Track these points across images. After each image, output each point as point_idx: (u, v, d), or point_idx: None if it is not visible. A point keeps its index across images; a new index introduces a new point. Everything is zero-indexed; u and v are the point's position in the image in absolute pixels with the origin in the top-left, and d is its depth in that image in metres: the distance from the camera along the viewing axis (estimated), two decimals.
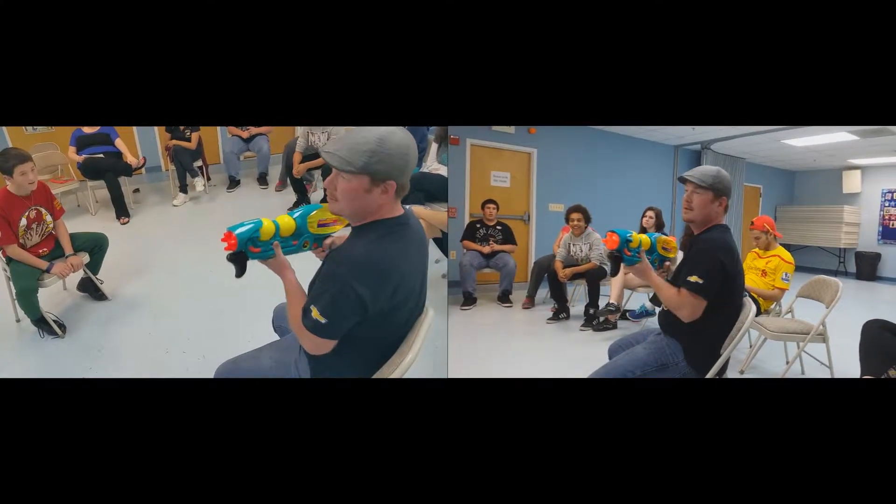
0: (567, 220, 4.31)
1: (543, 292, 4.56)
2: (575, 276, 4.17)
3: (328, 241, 1.56)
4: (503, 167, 5.58)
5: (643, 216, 4.21)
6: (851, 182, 8.19)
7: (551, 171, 5.84)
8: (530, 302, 4.56)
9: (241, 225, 1.36)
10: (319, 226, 1.49)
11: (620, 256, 1.90)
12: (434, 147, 3.22)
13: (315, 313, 1.26)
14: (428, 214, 2.42)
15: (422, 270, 1.42)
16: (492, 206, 4.68)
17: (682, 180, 1.85)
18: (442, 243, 2.73)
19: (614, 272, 1.91)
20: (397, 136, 1.24)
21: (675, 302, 1.79)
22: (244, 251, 1.36)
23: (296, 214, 1.46)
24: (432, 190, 2.91)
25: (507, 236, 4.67)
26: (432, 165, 3.12)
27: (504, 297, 4.61)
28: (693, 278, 1.73)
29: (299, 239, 1.48)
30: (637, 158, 6.62)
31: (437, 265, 3.16)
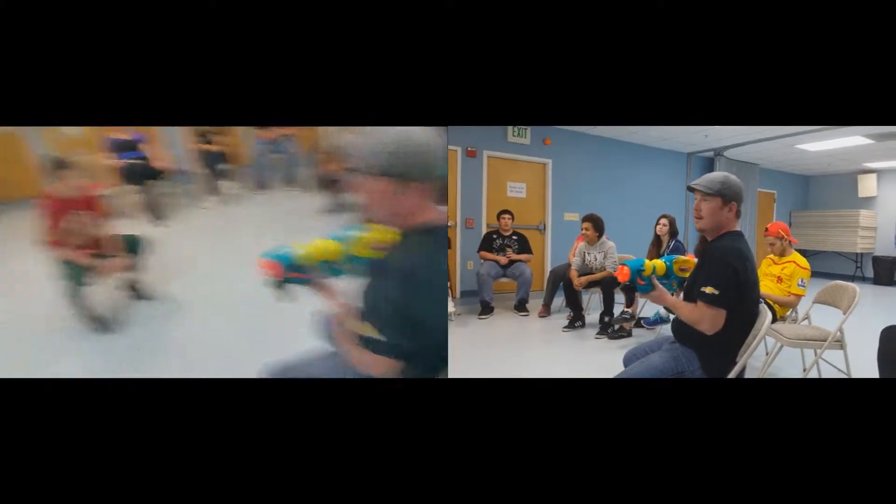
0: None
1: (559, 301, 4.55)
2: (590, 285, 4.16)
3: None
4: (519, 178, 5.60)
5: (657, 223, 4.19)
6: (867, 186, 8.07)
7: (566, 180, 5.84)
8: (546, 310, 4.56)
9: (283, 251, 1.34)
10: (373, 249, 1.38)
11: (634, 287, 1.89)
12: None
13: (370, 330, 1.19)
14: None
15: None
16: (507, 216, 4.69)
17: (691, 189, 1.83)
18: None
19: (629, 303, 1.92)
20: (730, 177, 1.33)
21: (695, 317, 1.74)
22: (289, 278, 1.35)
23: (339, 237, 1.40)
24: None
25: (524, 246, 4.68)
26: None
27: (521, 306, 4.61)
28: (708, 289, 1.69)
29: (346, 263, 1.41)
30: (650, 166, 6.59)
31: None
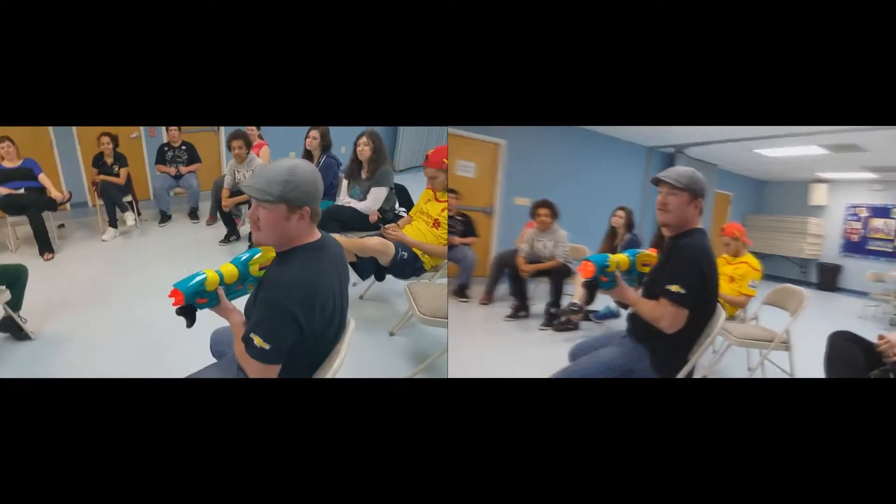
0: (533, 214, 4.22)
1: (503, 289, 4.47)
2: (537, 274, 4.10)
3: None
4: (469, 156, 5.47)
5: (613, 215, 4.16)
6: (818, 195, 8.43)
7: (520, 163, 5.75)
8: (488, 298, 4.47)
9: (187, 280, 1.47)
10: (261, 269, 1.60)
11: (596, 283, 1.83)
12: (345, 183, 3.60)
13: (258, 341, 1.37)
14: (344, 242, 2.52)
15: (342, 288, 1.55)
16: (453, 196, 4.55)
17: (657, 182, 1.79)
18: (358, 267, 2.98)
19: (589, 300, 1.86)
20: (305, 166, 1.42)
21: (656, 314, 1.72)
22: (192, 304, 1.48)
23: (238, 262, 1.58)
24: (345, 220, 3.35)
25: (468, 228, 4.56)
26: (344, 199, 3.53)
27: (461, 292, 4.49)
28: (675, 288, 1.67)
29: (244, 284, 1.60)
30: (609, 157, 6.60)
31: (353, 288, 3.27)
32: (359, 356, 2.63)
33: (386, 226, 3.03)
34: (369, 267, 2.99)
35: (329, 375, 1.47)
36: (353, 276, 2.78)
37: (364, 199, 3.42)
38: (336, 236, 2.66)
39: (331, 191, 3.76)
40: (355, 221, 3.38)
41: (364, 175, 3.45)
